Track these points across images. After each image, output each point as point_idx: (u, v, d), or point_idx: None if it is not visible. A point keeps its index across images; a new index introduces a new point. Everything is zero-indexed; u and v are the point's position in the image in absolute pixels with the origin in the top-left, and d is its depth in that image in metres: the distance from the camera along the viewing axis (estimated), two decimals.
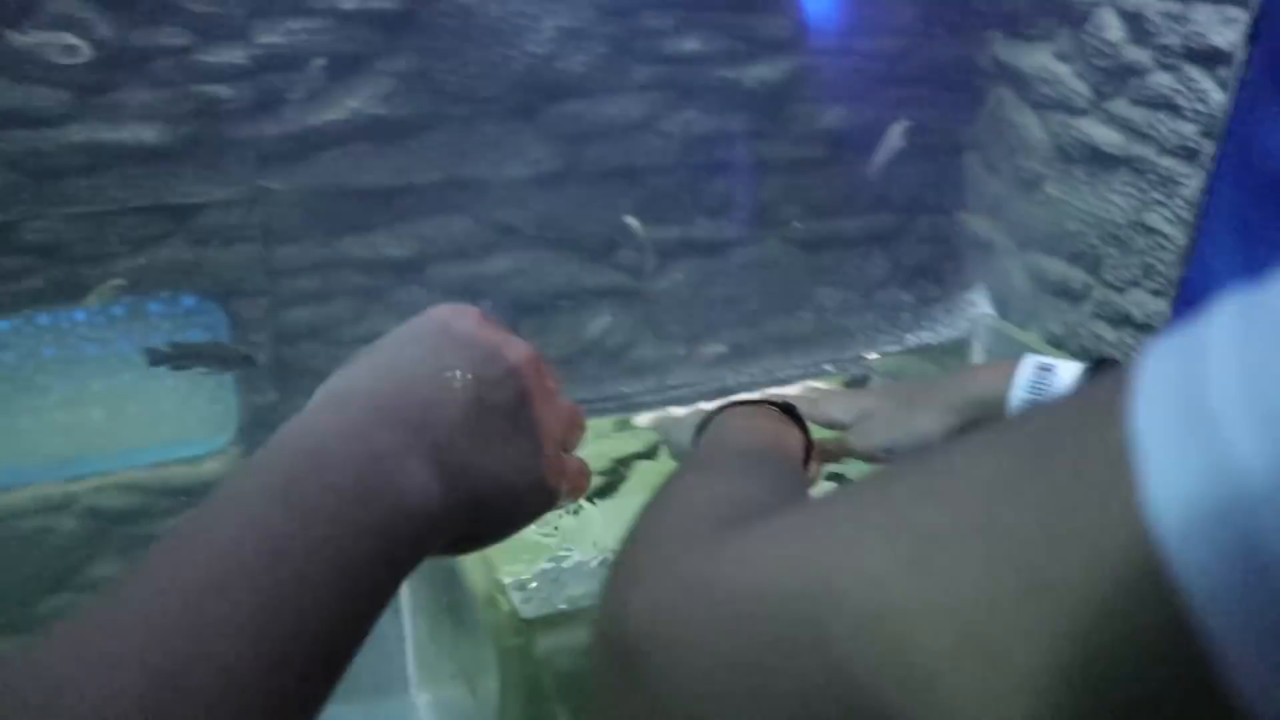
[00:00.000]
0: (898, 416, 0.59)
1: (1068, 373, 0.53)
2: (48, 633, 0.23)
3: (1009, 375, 0.55)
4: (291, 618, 0.26)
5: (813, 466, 0.52)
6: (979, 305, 1.06)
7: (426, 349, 0.33)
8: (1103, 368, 0.53)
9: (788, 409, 0.50)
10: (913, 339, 1.04)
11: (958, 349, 1.05)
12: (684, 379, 0.96)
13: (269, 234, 1.09)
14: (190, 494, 1.08)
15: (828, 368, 1.02)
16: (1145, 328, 0.91)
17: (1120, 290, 0.93)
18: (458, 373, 0.32)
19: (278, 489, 0.28)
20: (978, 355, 1.06)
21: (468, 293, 0.85)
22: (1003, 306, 1.06)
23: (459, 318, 0.32)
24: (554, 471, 0.34)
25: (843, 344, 1.02)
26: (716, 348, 1.00)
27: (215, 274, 1.04)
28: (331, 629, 0.27)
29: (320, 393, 0.32)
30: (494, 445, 0.33)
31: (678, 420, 0.64)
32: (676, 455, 0.62)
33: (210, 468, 1.13)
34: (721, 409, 0.49)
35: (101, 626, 0.24)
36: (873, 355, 1.02)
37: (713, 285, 0.94)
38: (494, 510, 0.34)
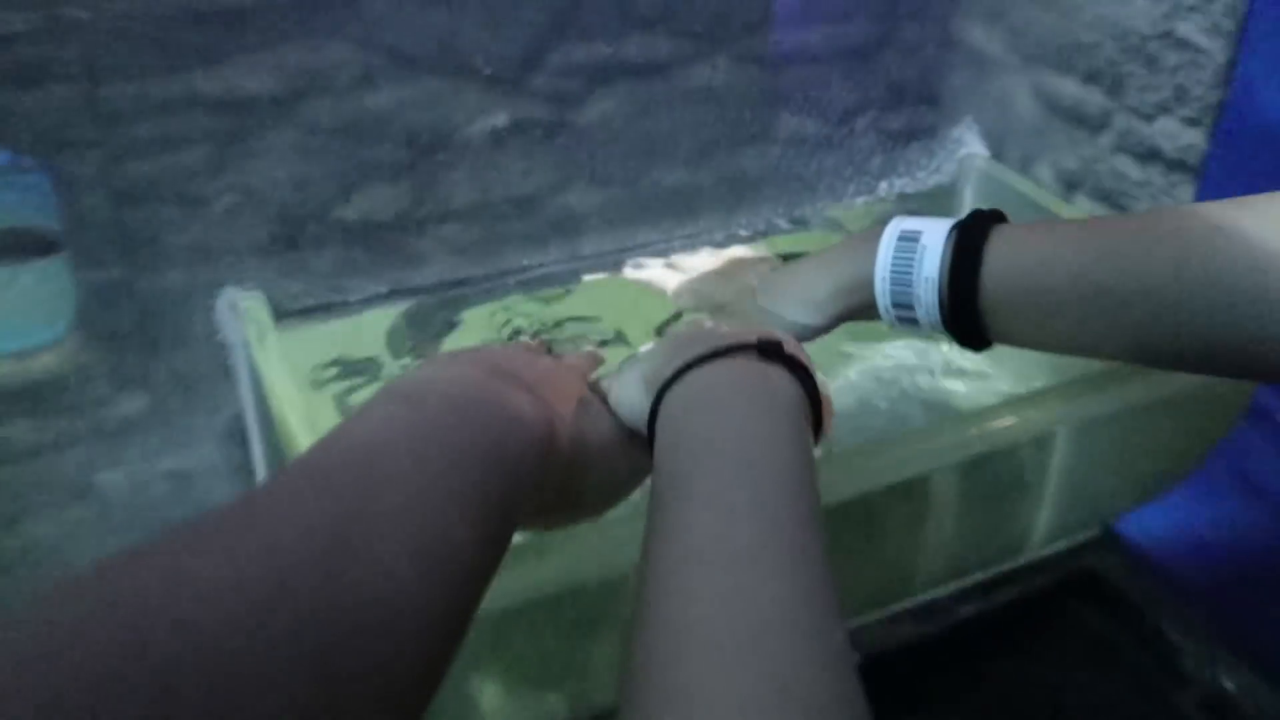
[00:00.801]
0: (757, 316, 0.61)
1: (934, 237, 0.53)
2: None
3: (875, 249, 0.55)
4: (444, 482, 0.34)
5: (826, 424, 0.47)
6: (969, 144, 0.96)
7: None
8: (972, 228, 0.53)
9: (779, 352, 0.46)
10: (887, 186, 0.95)
11: (943, 198, 0.95)
12: (626, 238, 0.88)
13: (92, 71, 0.94)
14: (22, 399, 0.92)
15: (781, 223, 0.91)
16: (1177, 164, 0.81)
17: (1147, 118, 0.84)
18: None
19: (400, 401, 0.38)
20: (965, 210, 0.91)
21: (350, 133, 0.75)
22: (998, 144, 0.96)
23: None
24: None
25: (801, 193, 0.92)
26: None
27: (29, 123, 0.89)
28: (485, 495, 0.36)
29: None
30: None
31: (695, 284, 0.66)
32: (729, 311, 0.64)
33: (44, 363, 0.98)
34: (685, 369, 0.45)
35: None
36: (837, 207, 0.93)
37: (651, 117, 0.85)
38: (591, 458, 0.47)
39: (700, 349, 0.45)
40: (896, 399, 0.82)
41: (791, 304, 0.61)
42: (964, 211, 0.88)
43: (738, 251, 0.73)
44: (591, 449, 0.49)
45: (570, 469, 0.47)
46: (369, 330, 0.82)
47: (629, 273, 0.75)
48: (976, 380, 0.85)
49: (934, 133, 0.98)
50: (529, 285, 0.87)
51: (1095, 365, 0.61)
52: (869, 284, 0.57)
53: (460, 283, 0.85)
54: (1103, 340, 0.49)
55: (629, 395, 0.49)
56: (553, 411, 0.46)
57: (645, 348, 0.52)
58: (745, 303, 0.63)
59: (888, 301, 0.56)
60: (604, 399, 0.52)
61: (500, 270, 0.85)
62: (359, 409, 0.38)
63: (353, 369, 0.80)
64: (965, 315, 0.53)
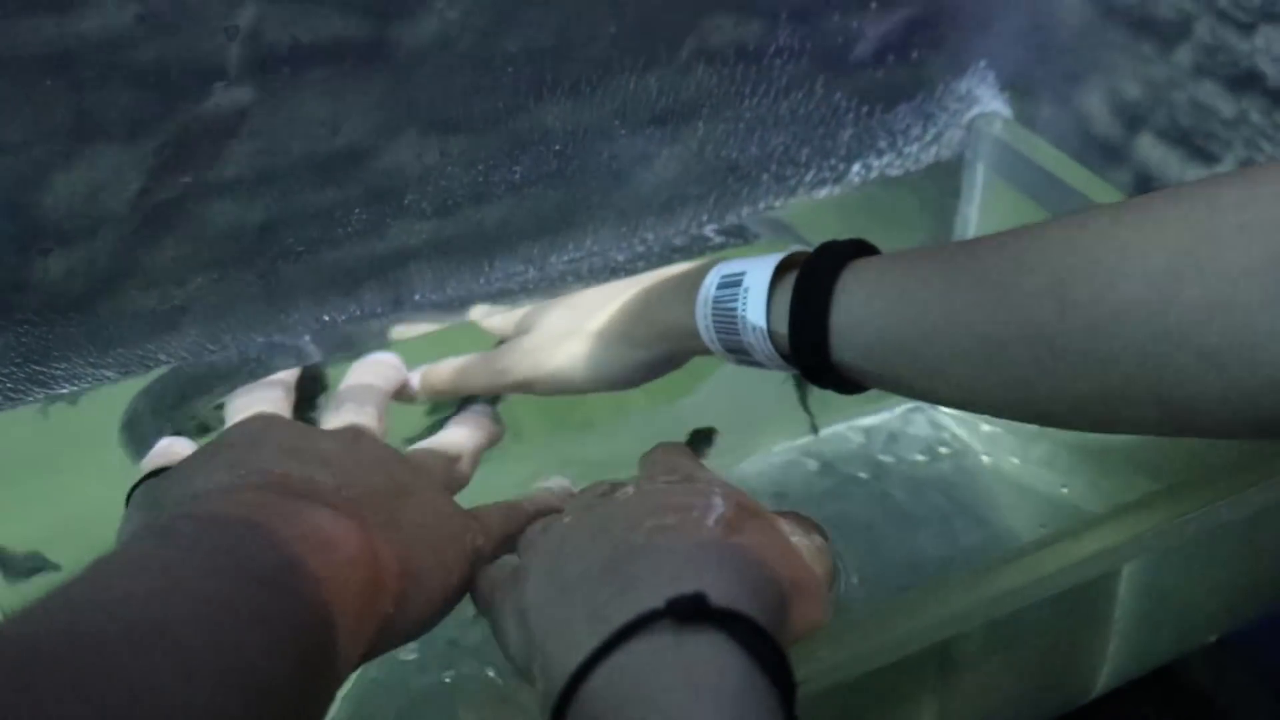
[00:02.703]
0: (557, 344, 0.69)
1: (757, 277, 0.58)
2: None
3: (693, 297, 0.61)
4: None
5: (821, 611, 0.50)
6: (981, 100, 0.88)
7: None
8: (817, 266, 0.56)
9: (702, 609, 0.42)
10: (862, 170, 0.86)
11: (944, 181, 0.90)
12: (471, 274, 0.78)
13: None
14: None
15: (707, 233, 0.82)
16: None
17: (1244, 28, 0.77)
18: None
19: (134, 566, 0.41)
20: (977, 196, 0.91)
21: (58, 65, 0.63)
22: (1024, 98, 0.89)
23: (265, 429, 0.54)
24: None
25: (734, 187, 0.83)
26: None
27: None
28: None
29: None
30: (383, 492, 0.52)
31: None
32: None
33: None
34: (573, 683, 0.42)
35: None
36: (787, 204, 0.86)
37: (512, 30, 0.74)
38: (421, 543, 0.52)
39: (585, 643, 0.42)
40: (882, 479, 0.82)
41: (604, 332, 0.67)
42: (975, 199, 0.90)
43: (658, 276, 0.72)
44: (426, 573, 0.52)
45: (400, 601, 0.50)
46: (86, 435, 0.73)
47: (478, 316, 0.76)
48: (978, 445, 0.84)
49: (930, 87, 0.89)
50: (333, 341, 0.77)
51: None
52: (695, 333, 0.62)
53: (222, 350, 0.74)
54: (989, 397, 0.52)
55: (514, 651, 0.50)
56: (369, 531, 0.48)
57: (511, 562, 0.54)
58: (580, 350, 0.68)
59: (721, 349, 0.61)
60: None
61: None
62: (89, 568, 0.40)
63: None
64: (816, 369, 0.57)
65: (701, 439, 0.82)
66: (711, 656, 0.41)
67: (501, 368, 0.72)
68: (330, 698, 0.45)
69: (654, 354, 0.66)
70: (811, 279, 0.57)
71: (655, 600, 0.42)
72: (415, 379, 0.76)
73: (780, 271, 0.60)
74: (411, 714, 0.67)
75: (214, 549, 0.43)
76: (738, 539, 0.47)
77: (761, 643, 0.42)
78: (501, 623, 0.51)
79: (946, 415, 0.85)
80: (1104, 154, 0.87)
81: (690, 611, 0.42)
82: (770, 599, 0.45)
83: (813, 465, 0.83)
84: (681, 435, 0.66)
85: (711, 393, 0.85)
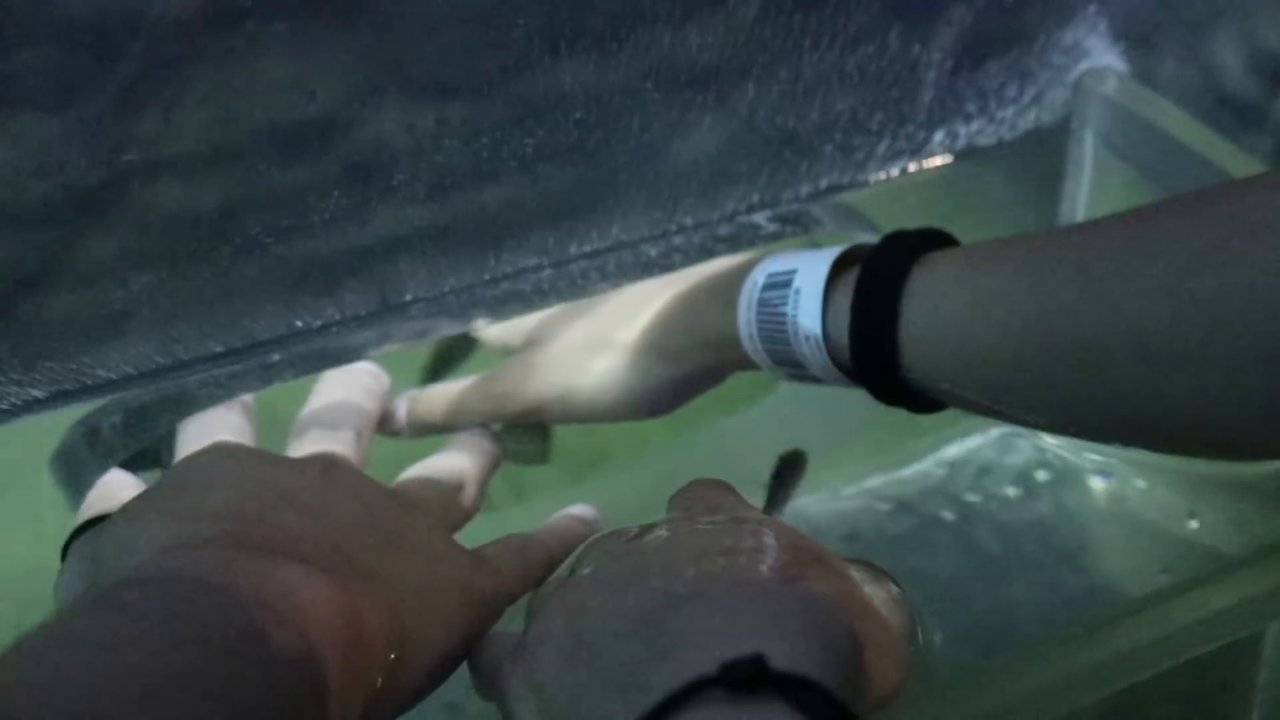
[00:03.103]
0: (572, 359, 0.70)
1: (809, 277, 0.59)
2: None
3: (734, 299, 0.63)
4: None
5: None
6: (1092, 52, 0.88)
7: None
8: (881, 263, 0.57)
9: (759, 677, 0.41)
10: (946, 139, 0.86)
11: (1045, 152, 0.89)
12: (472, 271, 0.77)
13: None
14: None
15: (759, 220, 0.81)
16: None
17: None
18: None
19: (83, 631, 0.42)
20: (1085, 170, 0.89)
21: None
22: (1140, 49, 0.88)
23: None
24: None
25: (794, 164, 0.83)
26: None
27: None
28: None
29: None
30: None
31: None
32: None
33: None
34: None
35: None
36: (856, 185, 0.85)
37: None
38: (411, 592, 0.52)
39: (628, 715, 0.42)
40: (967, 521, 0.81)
41: (636, 345, 0.67)
42: (1083, 175, 0.89)
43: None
44: (422, 634, 0.51)
45: (391, 670, 0.49)
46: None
47: (483, 329, 0.77)
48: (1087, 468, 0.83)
49: (1029, 38, 0.87)
50: (307, 353, 0.75)
51: None
52: (736, 342, 0.63)
53: (172, 368, 0.73)
54: (1092, 418, 0.52)
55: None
56: (350, 588, 0.48)
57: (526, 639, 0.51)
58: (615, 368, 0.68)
59: (769, 361, 0.62)
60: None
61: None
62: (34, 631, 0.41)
63: None
64: (882, 384, 0.57)
65: (790, 467, 0.80)
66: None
67: (505, 391, 0.72)
68: None
69: (688, 369, 0.66)
70: (876, 277, 0.56)
71: (705, 665, 0.41)
72: (401, 408, 0.75)
73: (838, 269, 0.59)
74: None
75: (167, 619, 0.42)
76: (799, 586, 0.46)
77: (833, 713, 0.41)
78: (511, 703, 0.49)
79: (1053, 439, 0.84)
80: (1239, 116, 0.85)
81: (748, 678, 0.41)
82: (842, 659, 0.44)
83: (886, 507, 0.81)
84: (717, 470, 0.65)
85: (757, 417, 0.84)
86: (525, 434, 0.78)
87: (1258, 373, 0.46)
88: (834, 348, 0.58)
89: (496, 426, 0.76)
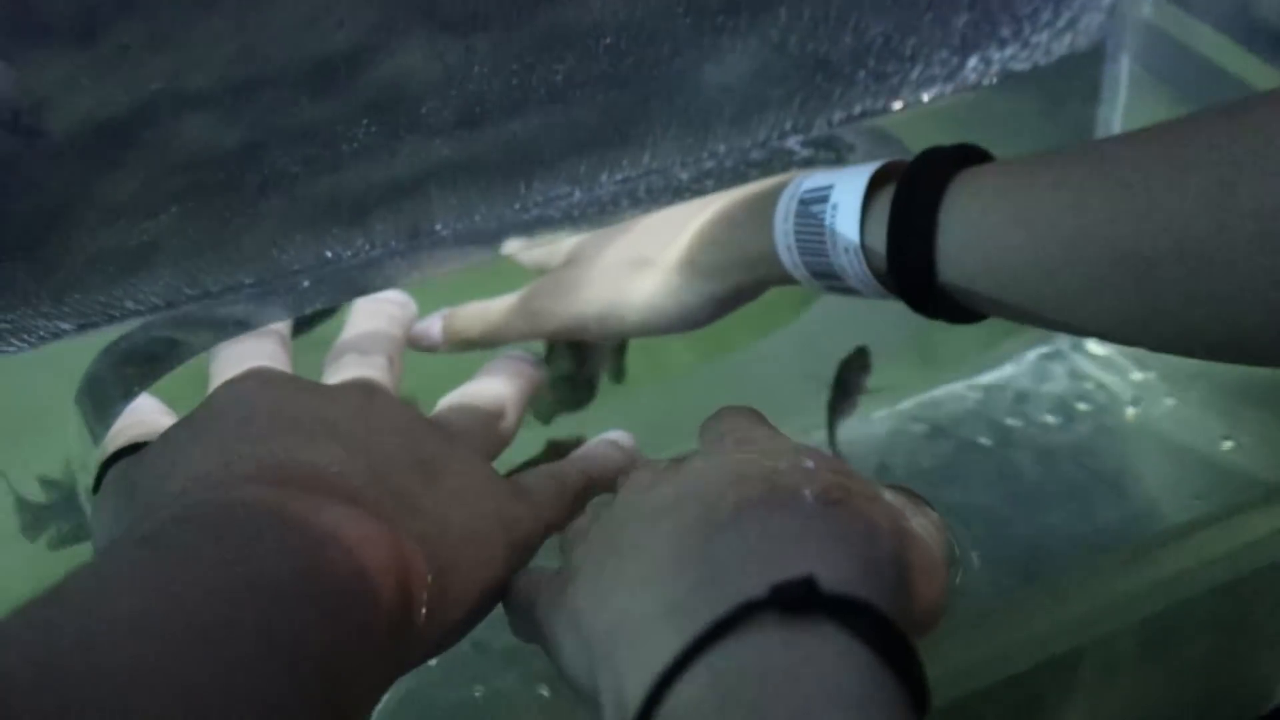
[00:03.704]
0: (611, 277, 0.70)
1: (846, 192, 0.60)
2: None
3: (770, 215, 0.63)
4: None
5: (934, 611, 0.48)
6: None
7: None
8: (919, 176, 0.57)
9: (812, 596, 0.42)
10: (980, 64, 0.86)
11: (1079, 78, 0.89)
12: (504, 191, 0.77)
13: None
14: None
15: (793, 145, 0.81)
16: None
17: None
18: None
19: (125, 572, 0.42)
20: (1120, 95, 0.90)
21: None
22: None
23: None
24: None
25: (825, 89, 0.82)
26: None
27: None
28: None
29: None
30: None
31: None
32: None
33: None
34: (659, 689, 0.41)
35: None
36: (890, 109, 0.85)
37: None
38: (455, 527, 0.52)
39: (667, 644, 0.42)
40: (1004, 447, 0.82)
41: (675, 262, 0.67)
42: (1118, 100, 0.90)
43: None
44: (462, 570, 0.51)
45: (431, 607, 0.49)
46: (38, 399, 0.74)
47: (514, 251, 0.75)
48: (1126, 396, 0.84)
49: None
50: (337, 282, 0.74)
51: None
52: (774, 257, 0.63)
53: (201, 297, 0.72)
54: (1132, 328, 0.52)
55: (570, 665, 0.48)
56: (396, 533, 0.47)
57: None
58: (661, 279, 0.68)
59: (807, 274, 0.63)
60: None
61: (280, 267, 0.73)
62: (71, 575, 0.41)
63: None
64: (920, 295, 0.58)
65: (854, 367, 0.80)
66: (829, 654, 0.40)
67: (541, 307, 0.71)
68: None
69: (727, 284, 0.66)
70: (914, 188, 0.56)
71: (753, 588, 0.41)
72: (436, 325, 0.74)
73: (875, 183, 0.59)
74: None
75: (218, 560, 0.42)
76: (843, 510, 0.46)
77: (885, 634, 0.41)
78: (551, 634, 0.50)
79: (1089, 362, 0.84)
80: (1273, 40, 0.84)
81: (799, 599, 0.41)
82: (889, 580, 0.44)
83: (921, 430, 0.81)
84: (743, 395, 0.65)
85: (782, 343, 0.84)
86: (567, 363, 0.78)
87: None
88: (872, 259, 0.58)
89: (536, 346, 0.76)
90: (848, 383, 0.79)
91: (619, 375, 0.79)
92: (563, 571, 0.50)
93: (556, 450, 0.74)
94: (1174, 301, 0.49)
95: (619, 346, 0.79)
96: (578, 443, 0.71)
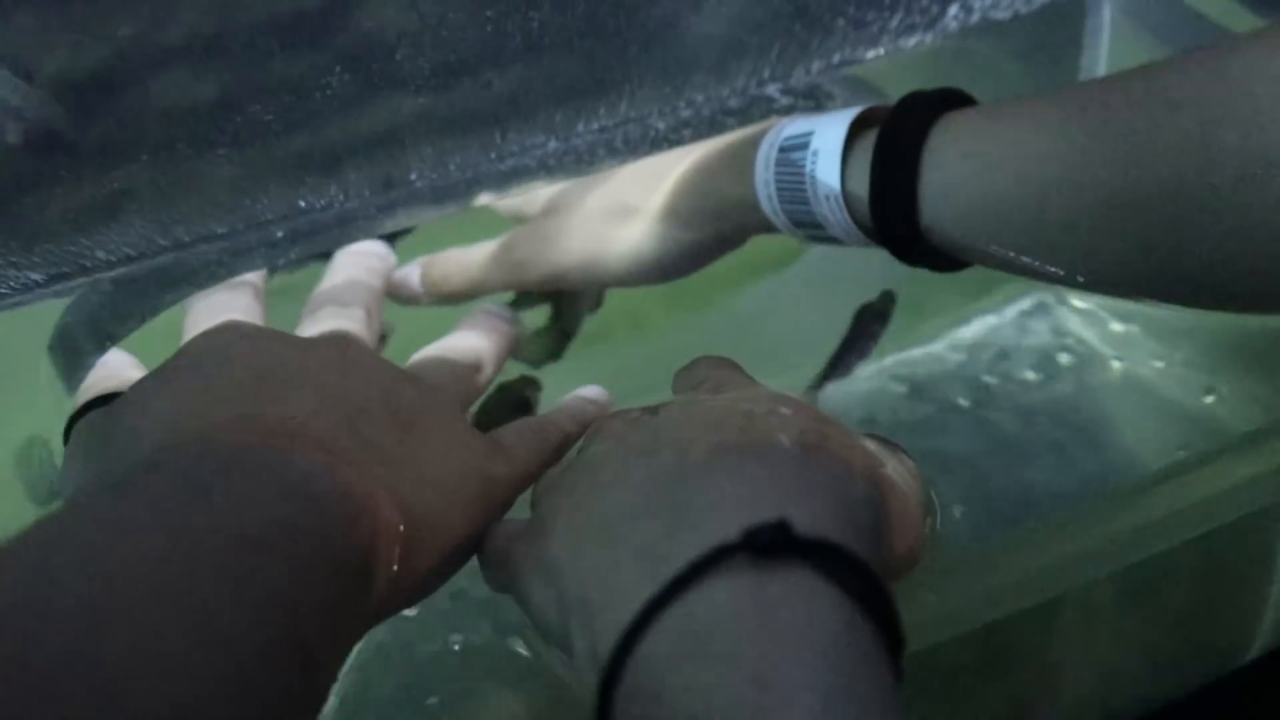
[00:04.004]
0: (592, 226, 0.70)
1: (827, 137, 0.60)
2: None
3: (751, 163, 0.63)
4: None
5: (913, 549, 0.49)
6: None
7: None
8: (901, 121, 0.57)
9: (785, 539, 0.42)
10: (960, 12, 0.85)
11: (1059, 28, 0.90)
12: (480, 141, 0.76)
13: None
14: None
15: (772, 93, 0.80)
16: None
17: None
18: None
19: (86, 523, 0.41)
20: (1103, 43, 0.90)
21: None
22: None
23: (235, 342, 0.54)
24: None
25: (803, 37, 0.81)
26: None
27: None
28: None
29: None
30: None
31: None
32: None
33: None
34: (630, 636, 0.41)
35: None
36: (868, 58, 0.84)
37: None
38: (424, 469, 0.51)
39: (639, 589, 0.42)
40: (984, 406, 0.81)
41: (656, 211, 0.67)
42: (1100, 48, 0.89)
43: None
44: (437, 521, 0.51)
45: (405, 558, 0.48)
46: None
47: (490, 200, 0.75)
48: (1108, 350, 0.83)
49: None
50: (310, 233, 0.75)
51: None
52: (755, 206, 0.63)
53: (173, 248, 0.71)
54: (1116, 270, 0.52)
55: (543, 615, 0.48)
56: (368, 481, 0.47)
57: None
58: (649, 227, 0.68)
59: (788, 222, 0.62)
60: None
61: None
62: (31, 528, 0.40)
63: None
64: (903, 242, 0.58)
65: (876, 313, 0.80)
66: (802, 597, 0.40)
67: (522, 257, 0.71)
68: (331, 679, 0.44)
69: (706, 233, 0.66)
70: (895, 133, 0.56)
71: (726, 532, 0.41)
72: (414, 275, 0.74)
73: (856, 129, 0.59)
74: (417, 688, 0.65)
75: (185, 506, 0.41)
76: (819, 454, 0.45)
77: (860, 578, 0.41)
78: (523, 584, 0.49)
79: (1072, 312, 0.84)
80: None
81: (772, 543, 0.41)
82: (864, 525, 0.44)
83: (901, 390, 0.81)
84: (724, 352, 0.64)
85: (766, 293, 0.84)
86: (544, 327, 0.78)
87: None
88: (854, 206, 0.58)
89: (509, 297, 0.76)
90: (868, 324, 0.79)
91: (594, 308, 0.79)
92: (534, 521, 0.50)
93: (506, 393, 0.74)
94: (1158, 242, 0.49)
95: (596, 296, 0.79)
96: (524, 384, 0.71)
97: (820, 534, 0.41)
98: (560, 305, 0.77)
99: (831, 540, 0.41)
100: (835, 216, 0.59)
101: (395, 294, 0.73)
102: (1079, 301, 0.84)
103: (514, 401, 0.72)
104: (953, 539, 0.67)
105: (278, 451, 0.45)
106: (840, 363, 0.78)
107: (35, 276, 0.70)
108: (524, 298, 0.77)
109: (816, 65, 0.82)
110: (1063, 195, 0.51)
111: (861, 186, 0.57)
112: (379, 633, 0.64)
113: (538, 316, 0.78)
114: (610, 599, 0.43)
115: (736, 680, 0.38)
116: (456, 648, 0.65)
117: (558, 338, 0.78)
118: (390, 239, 0.76)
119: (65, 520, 0.40)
